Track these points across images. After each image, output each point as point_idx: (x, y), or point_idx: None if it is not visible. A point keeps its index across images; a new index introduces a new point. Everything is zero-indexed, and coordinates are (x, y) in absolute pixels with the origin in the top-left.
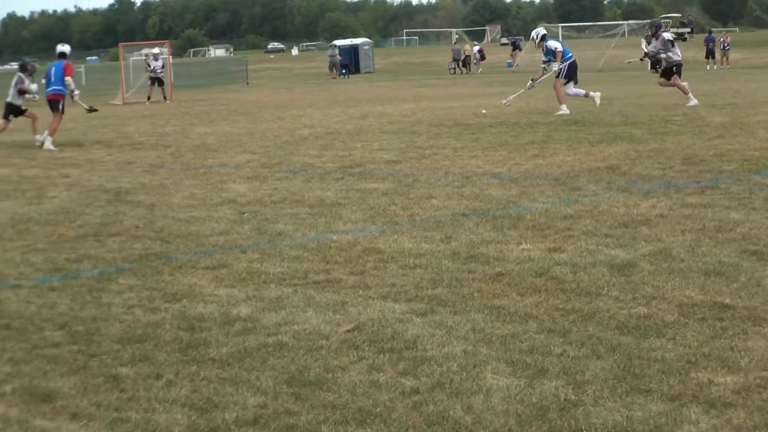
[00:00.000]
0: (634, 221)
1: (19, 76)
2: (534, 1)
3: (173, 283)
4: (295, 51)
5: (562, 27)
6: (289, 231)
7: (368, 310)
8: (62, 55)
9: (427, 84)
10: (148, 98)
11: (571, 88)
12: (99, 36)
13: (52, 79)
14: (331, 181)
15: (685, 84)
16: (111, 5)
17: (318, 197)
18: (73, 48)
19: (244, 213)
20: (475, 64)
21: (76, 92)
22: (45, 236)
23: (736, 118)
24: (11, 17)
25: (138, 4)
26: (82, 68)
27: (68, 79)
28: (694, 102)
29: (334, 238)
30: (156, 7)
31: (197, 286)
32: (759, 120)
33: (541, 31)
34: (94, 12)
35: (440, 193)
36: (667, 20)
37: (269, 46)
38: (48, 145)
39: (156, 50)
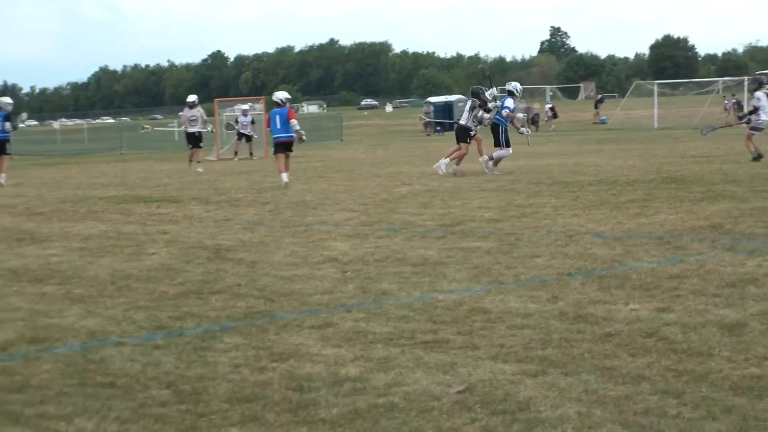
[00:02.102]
0: (741, 280)
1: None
2: (628, 58)
3: (279, 342)
4: (389, 108)
5: (657, 84)
6: (393, 290)
7: (478, 371)
8: (277, 104)
9: (521, 141)
10: (236, 154)
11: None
12: (192, 91)
13: (278, 126)
14: (432, 239)
15: None
16: (204, 60)
17: (421, 256)
18: (165, 103)
19: (347, 272)
20: (546, 121)
21: (303, 133)
22: (146, 293)
23: None
24: (104, 71)
25: (231, 59)
26: (174, 123)
27: (293, 121)
28: None
29: (440, 297)
30: (249, 62)
31: (304, 345)
32: None
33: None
34: (187, 67)
35: (544, 252)
36: (763, 76)
37: (362, 103)
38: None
39: (246, 106)
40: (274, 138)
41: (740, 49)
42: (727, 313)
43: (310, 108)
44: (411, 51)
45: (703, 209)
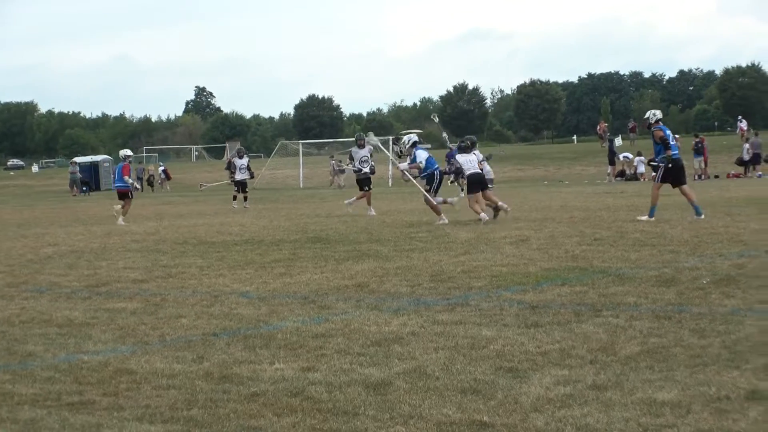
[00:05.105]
0: (386, 339)
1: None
2: (274, 118)
3: None
4: (35, 168)
5: (303, 144)
6: (39, 351)
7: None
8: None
9: (168, 201)
10: None
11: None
12: None
13: (116, 178)
14: (78, 300)
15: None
16: None
17: (66, 317)
18: None
19: None
20: (160, 183)
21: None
22: None
23: (482, 234)
24: None
25: None
26: None
27: (126, 177)
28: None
29: (85, 358)
30: None
31: None
32: (504, 235)
33: (413, 137)
34: None
35: (189, 312)
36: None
37: (9, 163)
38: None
39: None
40: (114, 187)
41: (385, 109)
42: (372, 372)
43: None
44: (57, 111)
45: (348, 268)
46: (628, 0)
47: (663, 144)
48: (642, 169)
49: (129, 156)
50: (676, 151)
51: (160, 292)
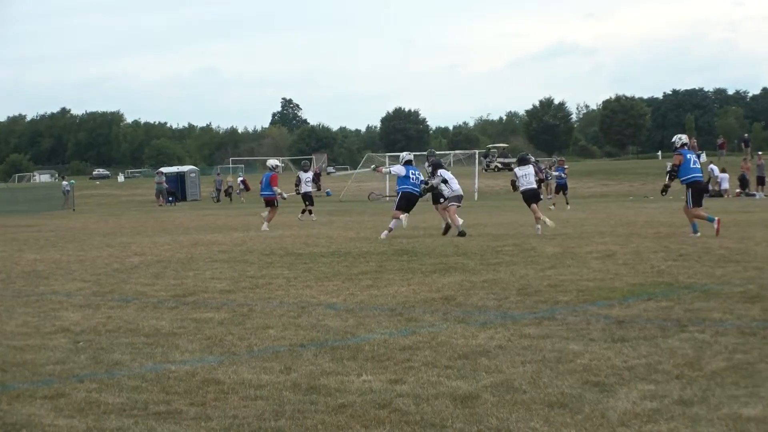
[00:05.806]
0: (474, 352)
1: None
2: (360, 130)
3: (11, 412)
4: (121, 178)
5: (389, 156)
6: (126, 360)
7: None
8: (272, 168)
9: (254, 212)
10: None
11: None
12: None
13: (263, 186)
14: (165, 310)
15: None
16: None
17: (153, 326)
18: None
19: (79, 342)
20: (238, 194)
21: (283, 194)
22: None
23: (568, 249)
24: None
25: None
26: None
27: (275, 188)
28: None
29: (172, 368)
30: None
31: (36, 416)
32: (590, 250)
33: (406, 156)
34: None
35: (276, 323)
36: (494, 150)
37: (94, 173)
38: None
39: None
40: (261, 195)
41: (471, 123)
42: (459, 385)
43: (42, 177)
44: (143, 121)
45: (435, 281)
46: (710, 17)
47: (676, 170)
48: (726, 185)
49: (277, 166)
50: (699, 174)
51: (247, 302)
